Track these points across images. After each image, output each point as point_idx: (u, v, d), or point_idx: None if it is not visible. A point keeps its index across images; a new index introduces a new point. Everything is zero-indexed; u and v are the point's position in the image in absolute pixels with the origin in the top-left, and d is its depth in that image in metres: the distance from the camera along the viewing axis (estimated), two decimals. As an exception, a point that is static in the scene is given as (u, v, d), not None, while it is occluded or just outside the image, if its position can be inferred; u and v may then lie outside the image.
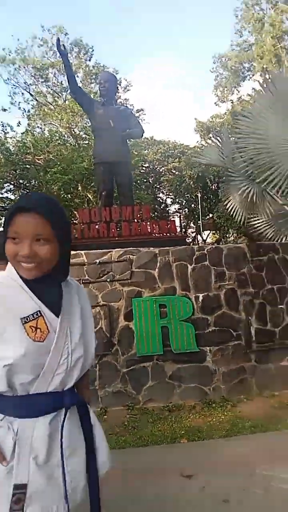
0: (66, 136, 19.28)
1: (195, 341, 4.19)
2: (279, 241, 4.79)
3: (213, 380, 4.26)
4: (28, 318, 1.12)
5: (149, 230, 6.96)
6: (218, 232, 20.11)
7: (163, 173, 20.54)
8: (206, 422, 3.71)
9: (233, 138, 7.48)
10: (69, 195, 18.63)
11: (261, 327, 4.41)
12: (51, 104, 20.53)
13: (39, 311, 1.14)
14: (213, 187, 19.05)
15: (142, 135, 8.19)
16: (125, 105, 16.86)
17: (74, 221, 16.39)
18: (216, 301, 4.33)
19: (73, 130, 19.20)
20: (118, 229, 7.16)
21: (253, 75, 22.90)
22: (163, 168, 20.55)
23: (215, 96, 25.54)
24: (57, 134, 18.74)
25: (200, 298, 4.29)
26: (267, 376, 4.40)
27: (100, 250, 4.32)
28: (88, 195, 17.67)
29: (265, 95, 5.90)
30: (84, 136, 18.76)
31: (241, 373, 4.33)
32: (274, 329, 4.45)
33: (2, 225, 1.20)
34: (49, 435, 1.11)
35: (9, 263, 1.18)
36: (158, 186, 21.14)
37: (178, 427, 3.61)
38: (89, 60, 21.36)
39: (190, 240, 20.45)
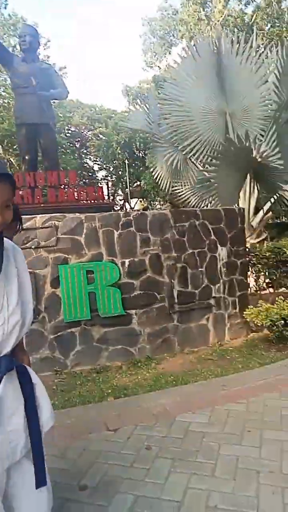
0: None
1: (121, 305, 4.32)
2: (200, 207, 5.02)
3: (138, 341, 4.46)
4: None
5: (76, 196, 6.84)
6: (145, 200, 20.35)
7: (89, 138, 20.02)
8: (132, 380, 3.91)
9: (159, 105, 7.53)
10: (-12, 158, 17.40)
11: (183, 289, 4.67)
12: None
13: None
14: (141, 154, 19.05)
15: (67, 96, 7.83)
16: (46, 62, 15.76)
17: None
18: (141, 266, 4.46)
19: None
20: (43, 195, 6.94)
21: (180, 41, 22.77)
22: (89, 133, 20.01)
23: (144, 62, 25.09)
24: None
25: (126, 263, 4.39)
26: (187, 334, 4.72)
27: (24, 216, 4.17)
28: (11, 159, 16.69)
29: (189, 62, 5.96)
30: (3, 94, 17.42)
31: (164, 333, 4.58)
32: (194, 291, 4.74)
33: None
34: None
35: None
36: (85, 152, 20.61)
37: (105, 387, 3.76)
38: (4, 8, 19.47)
39: (118, 208, 20.45)
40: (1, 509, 1.22)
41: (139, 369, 4.19)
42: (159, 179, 7.63)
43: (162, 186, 6.94)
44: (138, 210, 17.58)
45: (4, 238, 1.25)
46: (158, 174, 7.63)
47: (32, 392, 1.29)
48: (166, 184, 7.08)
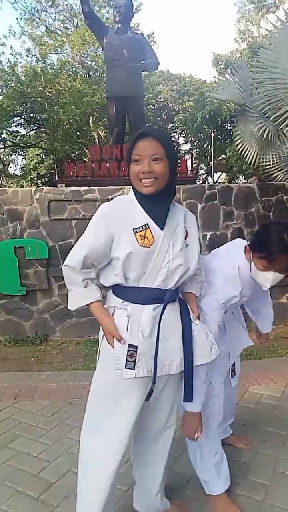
0: (77, 66, 18.34)
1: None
2: (289, 182, 4.79)
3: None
4: (139, 229, 1.44)
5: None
6: (229, 173, 19.73)
7: (177, 111, 19.76)
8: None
9: (252, 73, 7.14)
10: (79, 132, 18.17)
11: (264, 266, 4.57)
12: (60, 31, 19.28)
13: (147, 224, 1.45)
14: (227, 127, 18.37)
15: (157, 67, 7.77)
16: (136, 30, 15.54)
17: (85, 159, 16.18)
18: (223, 239, 4.45)
19: (84, 60, 18.24)
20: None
21: (277, 7, 21.01)
22: (177, 106, 19.72)
23: (237, 31, 23.64)
24: (68, 64, 17.80)
25: (208, 237, 4.41)
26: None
27: (113, 187, 4.38)
28: (99, 131, 17.21)
29: (287, 25, 5.55)
30: (95, 67, 17.82)
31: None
32: (276, 268, 4.62)
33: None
34: (151, 318, 1.46)
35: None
36: (171, 126, 20.44)
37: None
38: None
39: (201, 181, 20.14)
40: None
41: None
42: (245, 152, 7.33)
43: (249, 159, 6.65)
44: (222, 183, 17.16)
45: (178, 204, 1.59)
46: (245, 147, 7.32)
47: (189, 324, 1.56)
48: (254, 157, 6.78)
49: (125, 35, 6.82)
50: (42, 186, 15.40)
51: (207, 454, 1.86)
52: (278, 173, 5.89)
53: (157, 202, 1.46)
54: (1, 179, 22.93)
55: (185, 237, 1.53)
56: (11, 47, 31.24)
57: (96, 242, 1.45)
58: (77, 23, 18.61)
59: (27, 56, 18.58)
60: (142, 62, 7.02)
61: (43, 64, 17.74)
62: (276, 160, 6.02)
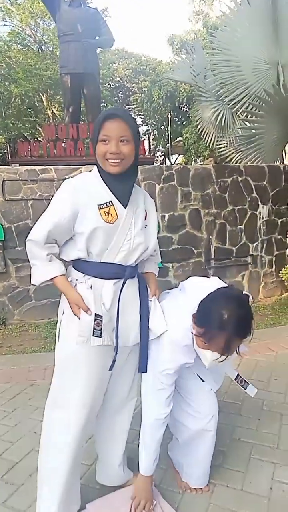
0: (28, 39, 17.48)
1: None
2: (242, 164, 4.94)
3: (173, 293, 4.62)
4: (103, 205, 1.49)
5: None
6: (186, 155, 19.89)
7: (133, 91, 19.49)
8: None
9: (207, 55, 7.19)
10: (31, 109, 17.48)
11: (220, 245, 4.73)
12: (9, 1, 18.20)
13: (111, 201, 1.50)
14: (183, 109, 18.42)
15: (113, 45, 7.59)
16: (89, 4, 14.97)
17: (39, 138, 15.63)
18: (181, 220, 4.53)
19: (36, 34, 17.42)
20: (85, 147, 6.98)
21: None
22: (133, 85, 19.44)
23: (193, 11, 23.46)
24: (19, 37, 16.92)
25: (166, 217, 4.47)
26: (222, 290, 4.82)
27: (70, 166, 4.29)
28: (53, 109, 16.65)
29: (242, 8, 5.60)
30: (47, 41, 17.09)
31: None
32: (232, 248, 4.79)
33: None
34: (112, 292, 1.53)
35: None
36: (128, 106, 20.16)
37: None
38: None
39: (158, 163, 20.16)
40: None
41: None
42: (202, 134, 7.43)
43: (206, 142, 6.77)
44: (180, 164, 17.32)
45: (138, 186, 1.64)
46: (202, 128, 7.41)
47: (146, 299, 1.64)
48: (210, 139, 6.89)
49: (79, 9, 6.59)
50: (-7, 166, 14.76)
51: None
52: (233, 155, 6.05)
53: (122, 181, 1.51)
54: None
55: (145, 218, 1.60)
56: None
57: (61, 217, 1.47)
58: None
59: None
60: (97, 38, 6.83)
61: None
62: (231, 142, 6.17)
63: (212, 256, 4.71)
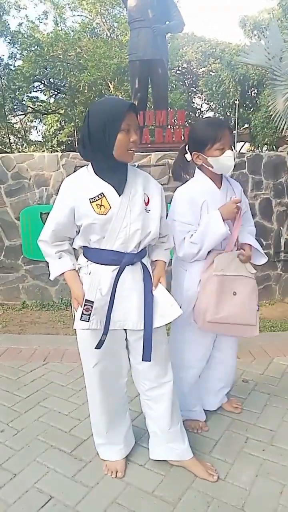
0: (97, 28, 17.71)
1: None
2: None
3: (239, 285, 4.49)
4: (94, 199, 1.56)
5: (182, 137, 6.71)
6: (252, 144, 19.14)
7: (201, 75, 19.02)
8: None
9: (283, 35, 6.76)
10: (99, 98, 17.74)
11: (292, 238, 4.50)
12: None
13: (102, 193, 1.56)
14: (253, 94, 17.66)
15: (183, 29, 7.39)
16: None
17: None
18: (251, 210, 4.36)
19: (106, 21, 17.58)
20: (151, 135, 6.94)
21: None
22: (202, 69, 18.97)
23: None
24: (89, 26, 17.20)
25: (234, 207, 4.33)
26: (291, 284, 4.61)
27: (139, 153, 4.30)
28: (120, 96, 16.79)
29: None
30: (118, 29, 17.17)
31: (266, 280, 4.54)
32: (303, 241, 4.54)
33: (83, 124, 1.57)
34: (110, 278, 1.61)
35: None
36: (194, 90, 19.75)
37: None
38: None
39: (223, 151, 19.55)
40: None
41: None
42: (274, 120, 7.04)
43: (277, 128, 6.42)
44: (252, 151, 16.72)
45: (141, 171, 1.71)
46: (274, 114, 7.03)
47: (149, 286, 1.68)
48: (282, 126, 6.52)
49: (150, -7, 6.49)
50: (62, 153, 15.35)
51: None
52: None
53: (118, 169, 1.59)
54: (23, 145, 22.80)
55: (147, 203, 1.63)
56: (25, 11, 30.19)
57: (61, 215, 1.59)
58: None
59: (45, 19, 17.99)
60: (167, 23, 6.72)
61: (64, 26, 17.19)
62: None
63: (282, 249, 4.50)
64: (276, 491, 1.79)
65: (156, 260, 1.80)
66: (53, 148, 21.78)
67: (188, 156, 1.99)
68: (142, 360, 1.67)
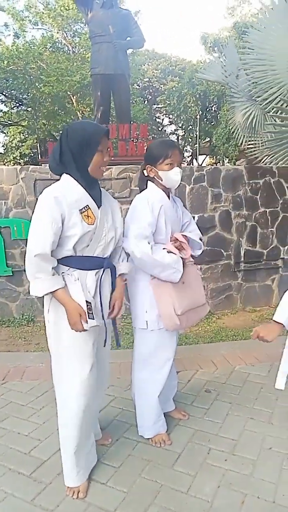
0: (59, 43, 17.75)
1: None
2: (276, 165, 4.80)
3: (201, 295, 4.55)
4: (82, 210, 1.71)
5: (145, 150, 6.77)
6: (214, 156, 19.67)
7: (162, 90, 19.43)
8: (193, 331, 4.06)
9: (240, 54, 7.04)
10: (62, 110, 17.73)
11: (251, 248, 4.63)
12: (42, 4, 18.52)
13: (87, 205, 1.73)
14: (213, 109, 18.22)
15: (143, 45, 7.59)
16: (124, 8, 15.10)
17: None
18: (211, 221, 4.47)
19: (67, 36, 17.66)
20: (114, 148, 6.99)
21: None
22: (161, 86, 19.38)
23: (226, 7, 23.20)
24: (51, 41, 17.20)
25: (196, 219, 4.41)
26: (251, 293, 4.73)
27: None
28: (83, 110, 16.83)
29: (278, 5, 5.46)
30: (79, 44, 17.29)
31: (227, 290, 4.63)
32: (262, 251, 4.68)
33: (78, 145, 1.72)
34: (94, 281, 1.79)
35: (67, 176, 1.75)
36: (157, 105, 20.13)
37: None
38: None
39: (185, 164, 20.02)
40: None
41: (201, 322, 4.31)
42: (232, 135, 7.26)
43: (235, 142, 6.66)
44: (210, 165, 17.07)
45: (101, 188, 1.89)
46: (233, 129, 7.27)
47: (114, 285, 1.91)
48: (241, 140, 6.75)
49: (111, 10, 6.62)
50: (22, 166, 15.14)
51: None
52: (263, 156, 5.90)
53: (96, 184, 1.80)
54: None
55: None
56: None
57: (56, 225, 1.64)
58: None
59: (6, 30, 17.86)
60: (128, 39, 6.85)
61: (23, 40, 17.11)
62: (262, 143, 6.02)
63: (242, 259, 4.62)
64: (238, 501, 1.80)
65: (119, 275, 1.94)
66: (16, 160, 21.42)
67: (145, 171, 2.16)
68: (117, 345, 2.06)
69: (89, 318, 1.72)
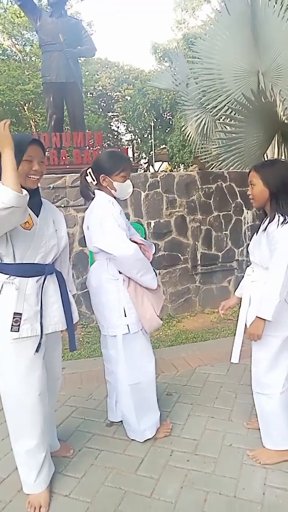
0: (9, 50, 17.45)
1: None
2: (226, 170, 4.98)
3: (161, 300, 4.61)
4: None
5: (97, 159, 6.74)
6: (170, 163, 20.00)
7: (116, 99, 19.57)
8: (154, 335, 4.08)
9: (188, 63, 7.27)
10: (14, 119, 17.37)
11: (206, 251, 4.75)
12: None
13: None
14: (167, 116, 18.57)
15: (94, 54, 7.64)
16: (74, 17, 15.18)
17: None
18: (167, 227, 4.54)
19: (17, 44, 17.39)
20: (68, 156, 6.94)
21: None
22: (116, 94, 19.53)
23: (175, 20, 23.83)
24: (1, 48, 16.87)
25: (152, 224, 4.48)
26: (209, 295, 4.84)
27: (54, 175, 4.27)
28: (36, 119, 16.59)
29: (222, 17, 5.69)
30: (30, 50, 17.07)
31: (186, 293, 4.72)
32: (217, 253, 4.82)
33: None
34: (35, 288, 1.79)
35: None
36: (111, 114, 20.23)
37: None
38: None
39: (142, 171, 20.20)
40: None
41: (161, 326, 4.34)
42: (186, 142, 7.47)
43: (190, 149, 6.83)
44: (165, 171, 17.33)
45: (44, 199, 1.92)
46: (186, 136, 7.46)
47: (65, 290, 1.92)
48: (194, 147, 6.95)
49: (60, 19, 6.63)
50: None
51: None
52: (215, 161, 6.09)
53: (34, 195, 1.78)
54: None
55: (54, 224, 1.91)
56: None
57: None
58: (5, 4, 17.61)
59: None
60: (79, 47, 6.87)
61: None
62: (214, 149, 6.22)
63: (199, 262, 4.73)
64: (201, 499, 1.83)
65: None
66: None
67: (89, 178, 2.18)
68: (70, 350, 2.08)
69: (11, 331, 1.70)
